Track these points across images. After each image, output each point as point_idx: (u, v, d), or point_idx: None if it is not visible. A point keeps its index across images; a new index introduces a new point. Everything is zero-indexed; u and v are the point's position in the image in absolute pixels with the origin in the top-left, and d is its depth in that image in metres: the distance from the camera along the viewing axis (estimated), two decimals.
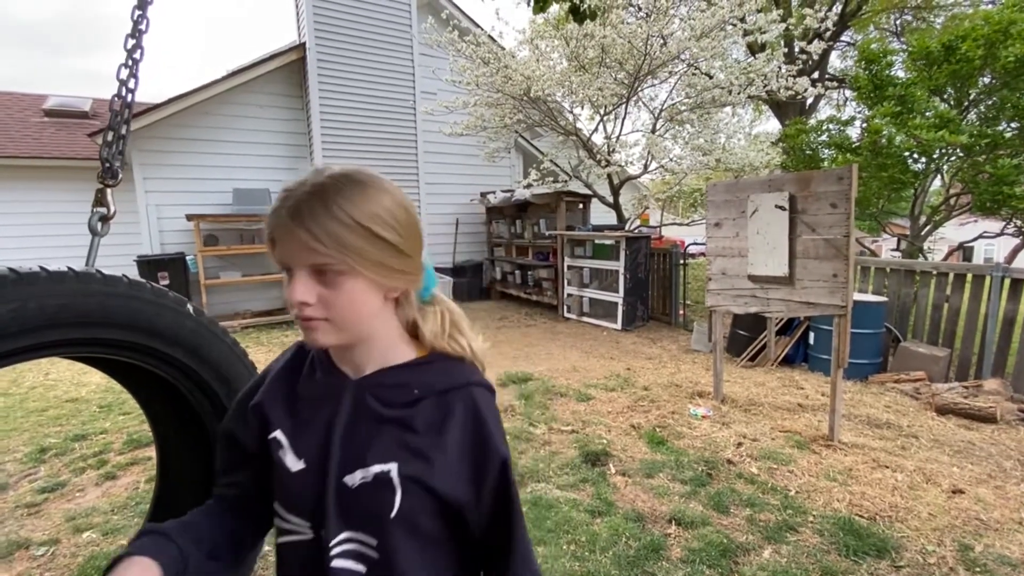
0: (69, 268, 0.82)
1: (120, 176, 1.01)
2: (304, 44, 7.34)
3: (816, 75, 10.90)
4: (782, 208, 3.37)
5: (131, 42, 1.02)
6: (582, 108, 7.69)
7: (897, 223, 10.11)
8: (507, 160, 9.61)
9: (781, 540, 2.26)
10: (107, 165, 0.99)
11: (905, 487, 2.71)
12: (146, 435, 3.45)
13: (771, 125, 27.76)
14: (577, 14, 2.41)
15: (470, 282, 8.97)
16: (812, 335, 4.82)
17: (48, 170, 7.83)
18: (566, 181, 8.19)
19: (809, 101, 11.89)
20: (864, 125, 6.75)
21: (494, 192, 8.76)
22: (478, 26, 8.15)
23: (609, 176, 7.67)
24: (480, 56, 6.99)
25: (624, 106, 7.38)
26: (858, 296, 4.52)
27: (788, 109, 11.11)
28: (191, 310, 0.96)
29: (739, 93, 6.59)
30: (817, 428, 3.46)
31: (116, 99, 1.00)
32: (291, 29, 8.01)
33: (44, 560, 2.20)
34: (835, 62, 14.08)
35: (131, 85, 1.02)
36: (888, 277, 5.01)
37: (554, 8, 3.27)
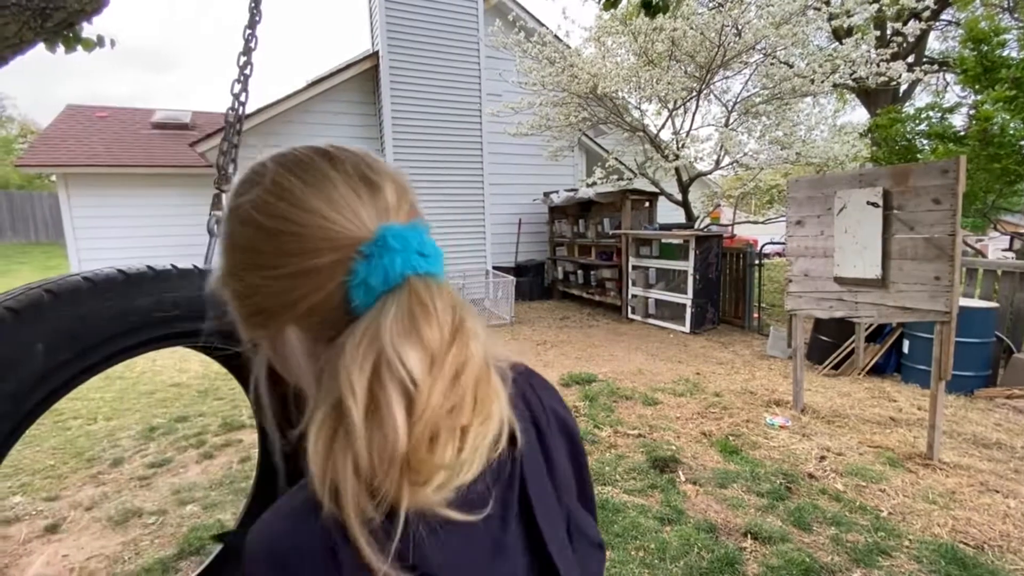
0: (195, 266, 0.91)
1: (233, 182, 1.11)
2: (377, 52, 7.67)
3: (912, 59, 9.95)
4: (875, 205, 3.11)
5: (243, 59, 1.11)
6: (650, 103, 7.49)
7: (1009, 220, 9.04)
8: (570, 159, 9.55)
9: (872, 564, 2.09)
10: (222, 171, 1.09)
11: (1019, 515, 2.42)
12: (237, 419, 3.76)
13: (856, 115, 25.62)
14: (649, 8, 2.35)
15: (532, 281, 8.99)
16: (907, 343, 4.41)
17: (156, 177, 8.70)
18: (631, 179, 8.02)
19: (903, 88, 10.88)
20: (971, 112, 6.09)
21: (557, 191, 8.72)
22: (543, 26, 8.15)
23: (678, 172, 7.41)
24: (546, 56, 6.99)
25: (695, 100, 7.11)
26: (964, 301, 4.08)
27: (878, 97, 10.22)
28: None
29: (822, 82, 6.15)
30: (913, 445, 3.16)
31: (230, 111, 1.10)
32: (353, 35, 8.39)
33: (154, 528, 2.45)
34: (933, 44, 12.79)
35: (243, 99, 1.12)
36: (999, 280, 4.49)
37: (623, 3, 3.19)
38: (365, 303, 0.37)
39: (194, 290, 0.88)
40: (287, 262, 0.38)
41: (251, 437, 3.45)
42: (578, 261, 8.80)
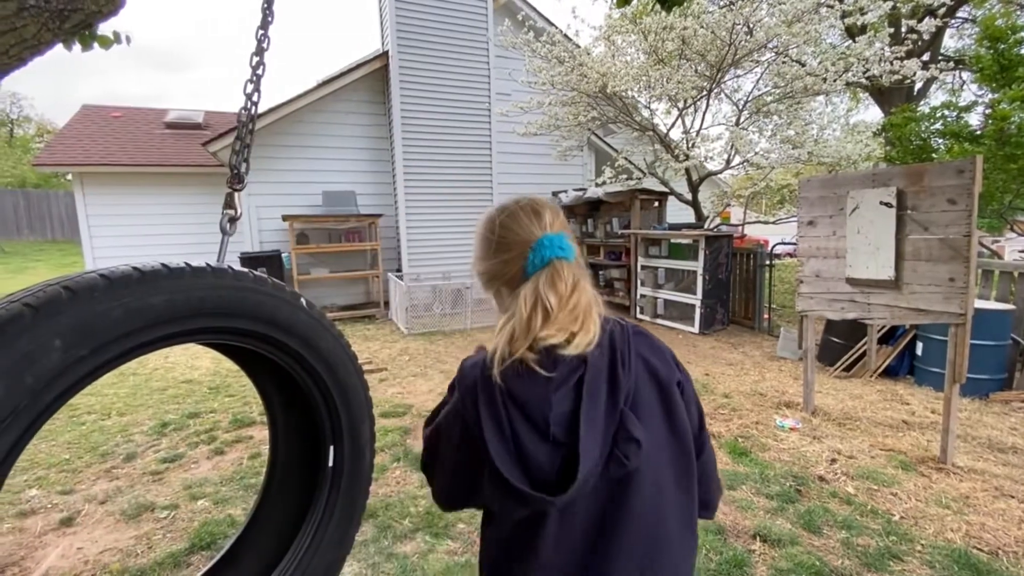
0: (207, 264, 0.92)
1: (245, 181, 1.13)
2: (387, 52, 7.71)
3: (927, 57, 9.81)
4: (888, 205, 3.07)
5: (255, 59, 1.12)
6: (660, 102, 7.45)
7: None
8: (579, 159, 9.53)
9: (883, 568, 2.07)
10: (235, 171, 1.10)
11: None
12: (248, 416, 3.80)
13: (870, 114, 25.30)
14: (665, 2, 2.33)
15: None
16: (920, 345, 4.36)
17: (169, 176, 8.81)
18: (640, 179, 7.98)
19: (918, 86, 10.71)
20: (988, 111, 6.00)
21: (566, 191, 8.71)
22: (553, 25, 8.14)
23: (687, 172, 7.37)
24: (555, 55, 6.98)
25: (706, 99, 7.07)
26: (979, 303, 4.02)
27: (892, 96, 10.09)
28: (304, 303, 1.04)
29: (835, 80, 6.08)
30: (926, 448, 3.12)
31: (242, 111, 1.11)
32: (364, 35, 8.42)
33: (166, 522, 2.49)
34: (949, 42, 12.58)
35: (255, 99, 1.13)
36: (1016, 282, 4.41)
37: (635, 1, 3.17)
38: (532, 272, 0.75)
39: (207, 288, 0.89)
40: (502, 256, 0.80)
41: (261, 434, 3.48)
42: (587, 260, 8.78)
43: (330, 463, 1.12)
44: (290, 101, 7.53)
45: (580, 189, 8.44)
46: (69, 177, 9.07)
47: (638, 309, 7.22)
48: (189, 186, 8.91)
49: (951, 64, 11.09)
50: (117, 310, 0.75)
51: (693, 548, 0.81)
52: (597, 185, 7.83)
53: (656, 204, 7.82)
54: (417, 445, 3.28)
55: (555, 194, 9.01)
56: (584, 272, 0.78)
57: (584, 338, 0.71)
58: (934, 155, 6.53)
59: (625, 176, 7.92)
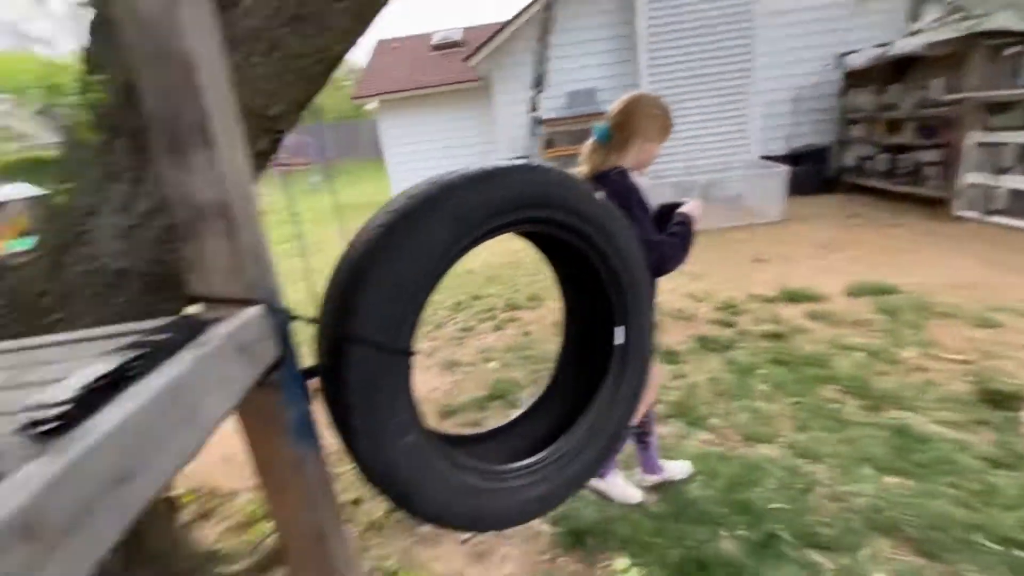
0: (526, 161, 1.06)
1: (543, 85, 1.23)
2: None
3: None
4: None
5: None
6: None
7: None
8: (883, 3, 7.20)
9: None
10: (537, 76, 1.21)
11: None
12: (517, 301, 4.47)
13: None
14: None
15: (808, 172, 7.32)
16: None
17: (439, 95, 10.13)
18: (982, 16, 5.61)
19: None
20: None
21: (857, 51, 6.79)
22: None
23: None
24: None
25: None
26: None
27: None
28: (600, 197, 1.13)
29: None
30: None
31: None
32: None
33: (470, 374, 3.22)
34: None
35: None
36: None
37: None
38: None
39: (527, 183, 1.04)
40: None
41: (528, 316, 4.09)
42: (881, 142, 6.92)
43: (619, 341, 1.26)
44: (532, 4, 7.56)
45: (882, 44, 6.46)
46: (369, 106, 11.16)
47: (963, 202, 5.47)
48: (456, 102, 10.10)
49: None
50: (476, 199, 0.95)
51: None
52: (912, 35, 5.86)
53: (1011, 52, 5.46)
54: (666, 339, 3.37)
55: (843, 55, 7.13)
56: (600, 144, 1.55)
57: (584, 168, 1.58)
58: None
59: (959, 15, 5.68)
